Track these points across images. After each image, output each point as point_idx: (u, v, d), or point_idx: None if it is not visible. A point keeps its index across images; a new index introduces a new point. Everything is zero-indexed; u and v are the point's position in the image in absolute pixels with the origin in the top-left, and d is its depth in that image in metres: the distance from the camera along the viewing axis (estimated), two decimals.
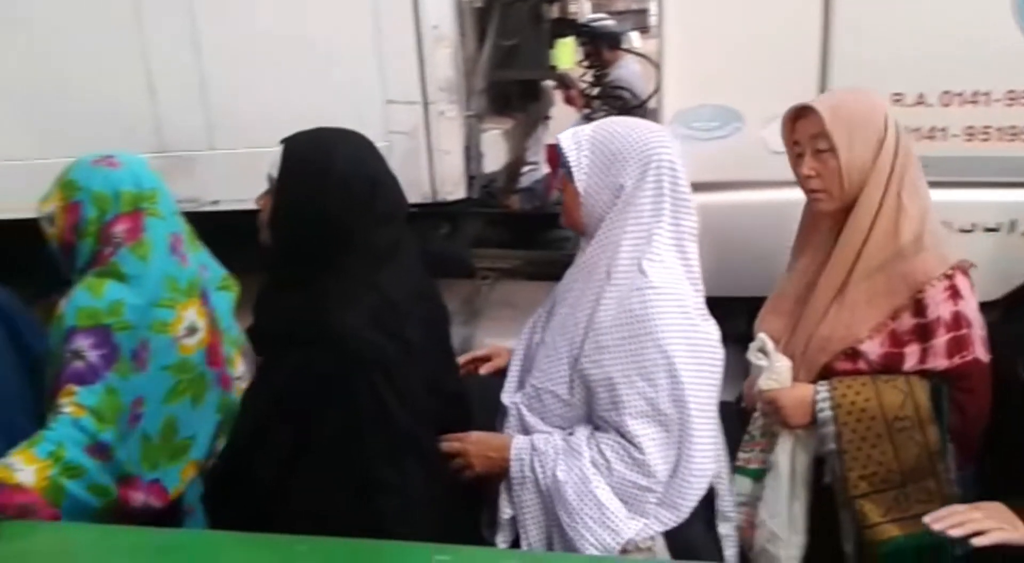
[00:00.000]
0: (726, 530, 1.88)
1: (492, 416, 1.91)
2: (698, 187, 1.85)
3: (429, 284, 1.84)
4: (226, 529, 1.73)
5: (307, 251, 1.64)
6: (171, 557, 1.45)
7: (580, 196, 1.77)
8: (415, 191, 2.86)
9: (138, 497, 1.86)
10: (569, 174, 1.78)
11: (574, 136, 1.80)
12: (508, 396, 1.89)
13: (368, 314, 1.60)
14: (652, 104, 3.45)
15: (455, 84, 2.83)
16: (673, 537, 1.74)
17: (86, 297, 1.84)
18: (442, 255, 3.58)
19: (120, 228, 1.88)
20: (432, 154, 2.86)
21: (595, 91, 4.51)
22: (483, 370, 2.08)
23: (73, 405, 1.77)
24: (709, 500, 1.82)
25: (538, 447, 1.75)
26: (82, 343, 1.80)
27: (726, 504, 1.89)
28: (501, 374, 1.99)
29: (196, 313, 1.97)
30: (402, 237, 1.73)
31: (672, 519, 1.73)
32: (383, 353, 1.59)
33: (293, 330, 1.63)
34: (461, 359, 2.07)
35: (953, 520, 1.57)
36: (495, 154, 3.10)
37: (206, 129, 2.92)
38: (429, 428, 1.71)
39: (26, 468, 1.70)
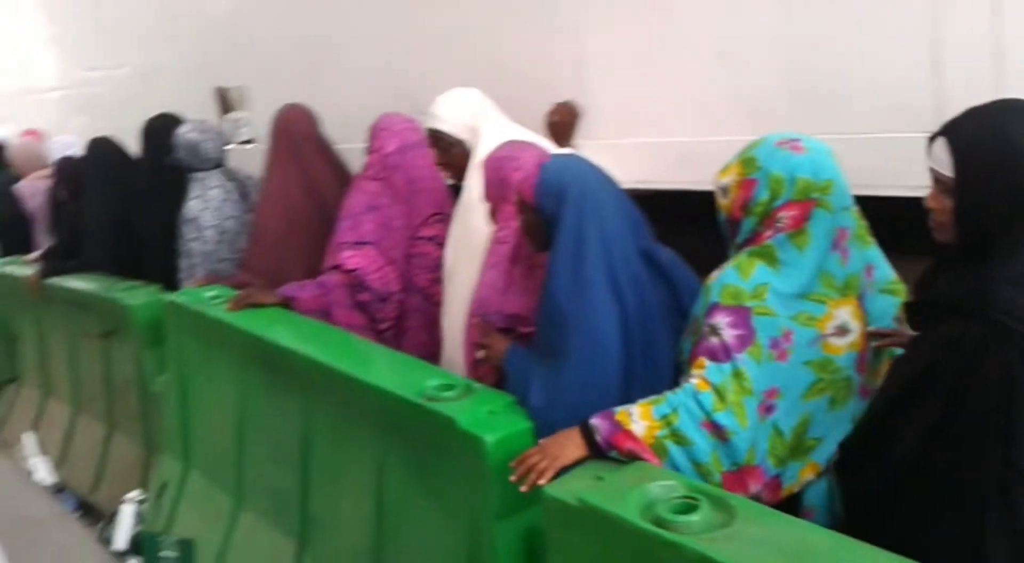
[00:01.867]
0: None
1: None
2: None
3: None
4: (855, 498, 1.76)
5: (980, 228, 1.59)
6: None
7: None
8: None
9: (755, 487, 1.85)
10: None
11: None
12: None
13: None
14: None
15: None
16: None
17: (734, 275, 1.87)
18: None
19: (786, 214, 1.86)
20: None
21: None
22: None
23: (700, 378, 1.81)
24: None
25: None
26: (721, 320, 1.84)
27: None
28: None
29: (851, 314, 1.91)
30: None
31: None
32: None
33: (951, 303, 1.61)
34: None
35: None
36: None
37: None
38: None
39: (640, 421, 1.80)
